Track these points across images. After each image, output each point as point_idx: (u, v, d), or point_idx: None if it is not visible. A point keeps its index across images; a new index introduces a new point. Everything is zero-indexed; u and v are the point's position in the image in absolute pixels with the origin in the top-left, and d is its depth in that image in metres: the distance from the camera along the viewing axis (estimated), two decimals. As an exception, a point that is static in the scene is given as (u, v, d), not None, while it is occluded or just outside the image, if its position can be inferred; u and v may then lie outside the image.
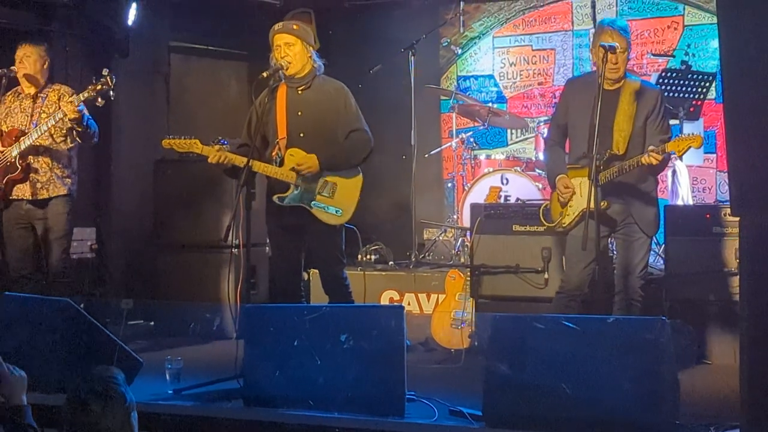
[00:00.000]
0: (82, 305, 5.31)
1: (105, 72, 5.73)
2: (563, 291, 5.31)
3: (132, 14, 7.72)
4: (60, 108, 5.84)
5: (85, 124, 5.86)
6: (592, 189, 4.95)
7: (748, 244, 3.12)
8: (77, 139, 6.00)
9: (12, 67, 5.99)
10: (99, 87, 5.73)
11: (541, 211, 5.57)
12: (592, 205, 4.96)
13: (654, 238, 5.55)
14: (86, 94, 5.78)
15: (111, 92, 5.76)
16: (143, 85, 8.21)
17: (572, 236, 5.24)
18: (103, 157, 6.32)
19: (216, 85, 9.15)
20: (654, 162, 4.89)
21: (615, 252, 5.57)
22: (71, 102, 5.75)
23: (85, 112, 5.84)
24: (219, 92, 9.14)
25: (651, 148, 4.93)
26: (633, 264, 5.21)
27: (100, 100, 5.81)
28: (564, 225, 5.27)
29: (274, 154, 5.39)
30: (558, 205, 5.33)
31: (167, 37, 8.57)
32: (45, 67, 6.11)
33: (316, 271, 6.26)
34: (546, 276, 5.94)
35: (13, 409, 3.41)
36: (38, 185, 5.98)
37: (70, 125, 5.86)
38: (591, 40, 5.21)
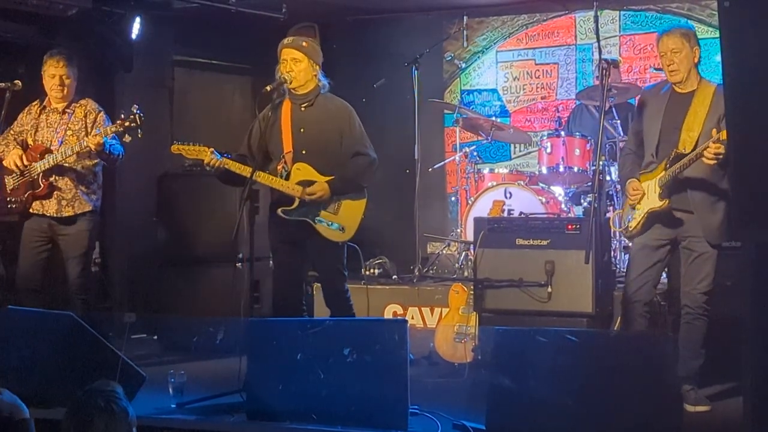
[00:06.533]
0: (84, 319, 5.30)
1: (134, 109, 5.70)
2: (625, 299, 5.17)
3: (136, 28, 7.74)
4: (85, 132, 5.87)
5: (107, 151, 5.86)
6: (657, 190, 4.93)
7: (753, 263, 3.10)
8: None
9: (16, 81, 5.95)
10: (127, 124, 5.70)
11: (612, 218, 5.54)
12: (658, 204, 4.94)
13: None
14: (113, 129, 5.77)
15: (139, 130, 5.72)
16: (147, 99, 8.18)
17: (635, 242, 5.15)
18: (107, 171, 6.33)
19: (220, 99, 9.17)
20: (713, 152, 4.60)
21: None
22: (97, 135, 5.73)
23: (109, 137, 5.85)
24: (223, 106, 9.16)
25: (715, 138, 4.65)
26: (696, 279, 5.01)
27: (127, 136, 5.80)
28: (631, 229, 5.14)
29: (280, 167, 5.39)
30: (629, 210, 5.24)
31: (171, 51, 8.59)
32: (71, 83, 6.04)
33: (319, 285, 6.26)
34: (549, 290, 5.91)
35: (18, 424, 3.39)
36: (63, 202, 5.95)
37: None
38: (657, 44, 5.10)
